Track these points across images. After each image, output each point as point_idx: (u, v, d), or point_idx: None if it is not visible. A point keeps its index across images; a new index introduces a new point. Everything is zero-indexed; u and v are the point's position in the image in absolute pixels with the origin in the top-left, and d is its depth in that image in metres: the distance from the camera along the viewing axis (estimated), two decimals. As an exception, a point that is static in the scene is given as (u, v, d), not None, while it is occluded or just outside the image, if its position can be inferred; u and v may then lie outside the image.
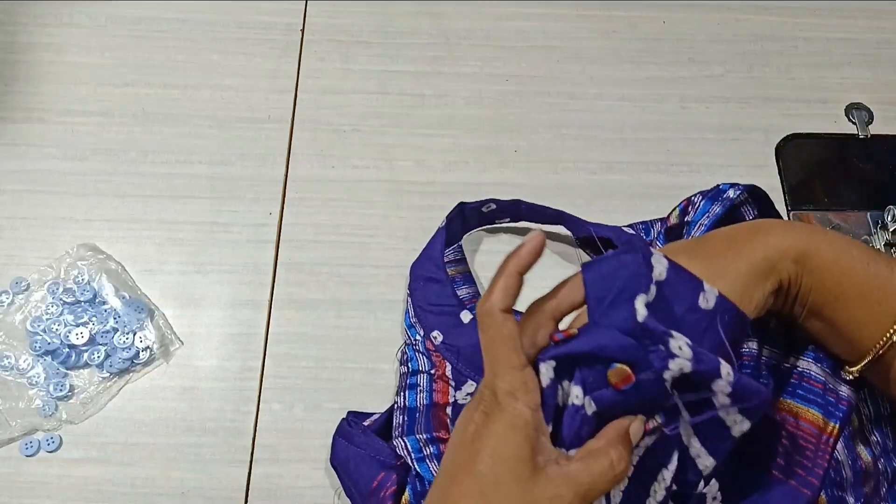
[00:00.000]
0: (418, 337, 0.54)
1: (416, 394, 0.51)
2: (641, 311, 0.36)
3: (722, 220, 0.52)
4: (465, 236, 0.59)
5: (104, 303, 0.55)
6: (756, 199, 0.54)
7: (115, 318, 0.55)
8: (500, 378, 0.36)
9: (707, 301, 0.38)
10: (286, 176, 0.61)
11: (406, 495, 0.46)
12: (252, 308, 0.57)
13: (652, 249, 0.39)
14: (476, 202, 0.57)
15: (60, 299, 0.55)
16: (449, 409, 0.51)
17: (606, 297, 0.37)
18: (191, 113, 0.63)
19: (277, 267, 0.58)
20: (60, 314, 0.55)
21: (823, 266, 0.41)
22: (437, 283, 0.55)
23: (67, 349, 0.54)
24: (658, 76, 0.67)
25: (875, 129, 0.65)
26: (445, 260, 0.56)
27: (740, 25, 0.70)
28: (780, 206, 0.60)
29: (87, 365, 0.54)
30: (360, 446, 0.49)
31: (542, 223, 0.59)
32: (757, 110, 0.66)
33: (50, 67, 0.65)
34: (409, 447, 0.48)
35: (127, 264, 0.58)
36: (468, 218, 0.58)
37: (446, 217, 0.57)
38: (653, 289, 0.37)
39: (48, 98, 0.63)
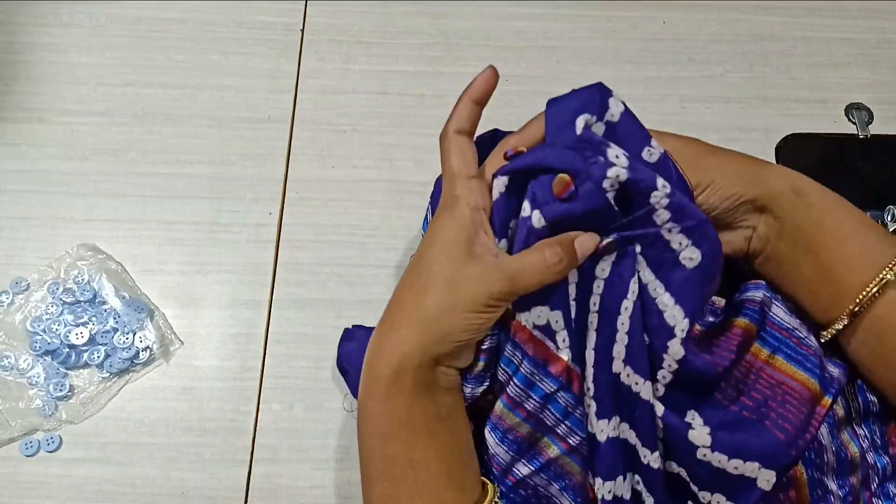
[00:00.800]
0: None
1: None
2: (580, 126, 0.39)
3: None
4: None
5: (104, 303, 0.55)
6: None
7: (115, 318, 0.55)
8: (448, 185, 0.41)
9: (651, 155, 0.41)
10: (286, 176, 0.61)
11: None
12: (252, 308, 0.57)
13: (612, 92, 0.41)
14: (511, 132, 0.56)
15: (60, 299, 0.55)
16: None
17: (559, 123, 0.40)
18: (191, 113, 0.63)
19: (277, 267, 0.58)
20: (60, 314, 0.55)
21: (823, 202, 0.42)
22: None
23: (67, 349, 0.54)
24: (658, 76, 0.67)
25: (875, 129, 0.65)
26: None
27: (740, 25, 0.69)
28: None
29: (87, 365, 0.54)
30: (363, 345, 0.49)
31: None
32: (757, 110, 0.66)
33: (50, 67, 0.65)
34: None
35: (127, 264, 0.58)
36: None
37: (477, 136, 0.53)
38: (600, 125, 0.40)
39: (48, 98, 0.63)
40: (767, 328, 0.44)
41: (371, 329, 0.52)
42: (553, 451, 0.42)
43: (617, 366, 0.41)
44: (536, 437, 0.42)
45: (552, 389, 0.40)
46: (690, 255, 0.40)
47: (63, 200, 0.60)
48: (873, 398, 0.46)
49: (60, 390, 0.52)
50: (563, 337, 0.40)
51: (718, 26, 0.69)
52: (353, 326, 0.53)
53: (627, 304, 0.40)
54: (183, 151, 0.62)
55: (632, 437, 0.42)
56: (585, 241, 0.39)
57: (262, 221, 0.60)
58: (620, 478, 0.42)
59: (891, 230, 0.58)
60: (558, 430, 0.41)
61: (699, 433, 0.40)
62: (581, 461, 0.41)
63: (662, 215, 0.39)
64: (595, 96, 0.40)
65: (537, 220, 0.39)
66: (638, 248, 0.41)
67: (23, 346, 0.54)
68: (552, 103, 0.41)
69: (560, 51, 0.68)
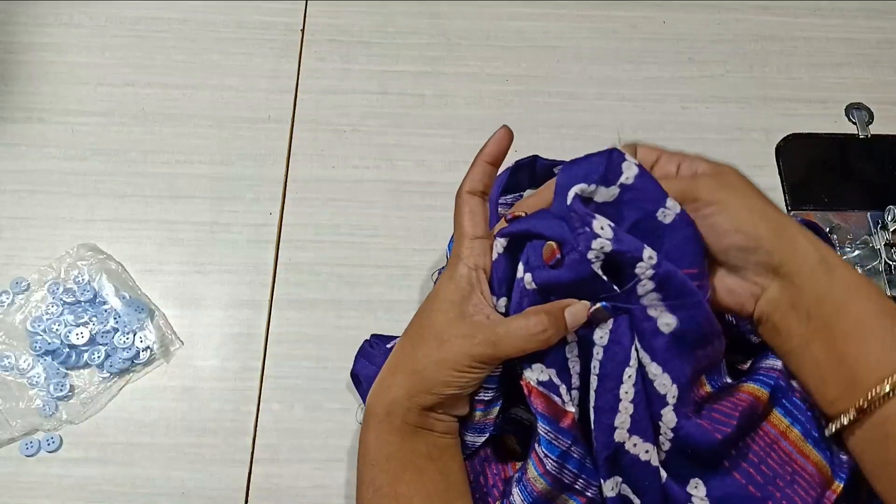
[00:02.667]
0: None
1: None
2: (570, 196, 0.40)
3: None
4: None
5: (104, 303, 0.55)
6: None
7: (115, 318, 0.55)
8: (456, 244, 0.43)
9: (665, 216, 0.40)
10: (286, 176, 0.61)
11: None
12: (252, 308, 0.57)
13: (627, 156, 0.41)
14: (550, 160, 0.55)
15: (60, 299, 0.55)
16: None
17: (566, 190, 0.41)
18: (191, 113, 0.63)
19: (277, 267, 0.58)
20: (60, 314, 0.55)
21: (850, 281, 0.39)
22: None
23: (67, 349, 0.54)
24: (658, 76, 0.67)
25: (875, 129, 0.65)
26: (501, 202, 0.55)
27: (740, 25, 0.70)
28: (781, 206, 0.60)
29: (87, 365, 0.54)
30: (379, 366, 0.50)
31: None
32: (757, 110, 0.66)
33: (50, 67, 0.65)
34: None
35: (127, 264, 0.58)
36: (537, 173, 0.56)
37: (516, 161, 0.54)
38: (612, 189, 0.41)
39: (48, 98, 0.63)
40: (792, 397, 0.42)
41: (386, 342, 0.54)
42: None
43: (620, 435, 0.40)
44: (554, 495, 0.42)
45: (566, 446, 0.41)
46: (667, 322, 0.39)
47: (63, 200, 0.60)
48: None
49: (61, 390, 0.52)
50: (565, 390, 0.41)
51: (718, 26, 0.69)
52: (372, 337, 0.55)
53: (630, 373, 0.40)
54: (183, 151, 0.62)
55: (635, 501, 0.42)
56: (577, 311, 0.40)
57: (262, 221, 0.60)
58: None
59: (891, 230, 0.58)
60: (576, 486, 0.42)
61: None
62: None
63: (647, 286, 0.39)
64: (602, 163, 0.40)
65: (528, 282, 0.41)
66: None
67: (23, 347, 0.54)
68: (564, 168, 0.42)
69: (560, 51, 0.68)
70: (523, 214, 0.43)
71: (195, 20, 0.67)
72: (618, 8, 0.70)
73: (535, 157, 0.55)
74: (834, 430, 0.39)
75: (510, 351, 0.39)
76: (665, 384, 0.40)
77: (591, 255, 0.39)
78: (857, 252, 0.59)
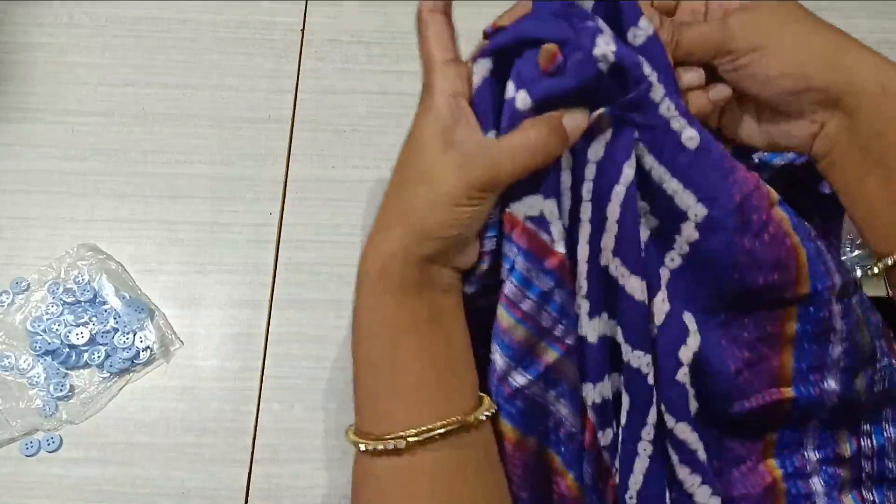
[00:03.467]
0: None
1: None
2: None
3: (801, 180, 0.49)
4: None
5: (104, 303, 0.55)
6: None
7: (115, 318, 0.55)
8: (424, 75, 0.37)
9: (636, 37, 0.37)
10: (286, 176, 0.61)
11: None
12: (252, 308, 0.57)
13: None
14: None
15: (60, 299, 0.55)
16: None
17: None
18: (191, 113, 0.63)
19: (277, 267, 0.58)
20: (60, 314, 0.55)
21: None
22: None
23: (67, 349, 0.54)
24: (658, 76, 0.67)
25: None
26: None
27: (740, 25, 0.69)
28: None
29: (87, 365, 0.54)
30: None
31: None
32: (757, 110, 0.65)
33: (50, 67, 0.65)
34: None
35: (127, 264, 0.58)
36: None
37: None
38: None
39: (47, 98, 0.63)
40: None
41: None
42: (551, 355, 0.39)
43: (605, 257, 0.39)
44: (533, 342, 0.39)
45: (549, 287, 0.38)
46: (690, 136, 0.37)
47: (63, 200, 0.60)
48: (893, 466, 0.44)
49: (61, 390, 0.52)
50: (557, 228, 0.37)
51: (718, 26, 0.69)
52: None
53: (619, 190, 0.37)
54: (183, 151, 0.62)
55: (617, 333, 0.40)
56: (576, 118, 0.36)
57: (262, 221, 0.60)
58: (606, 376, 0.41)
59: (891, 230, 0.58)
60: (555, 332, 0.39)
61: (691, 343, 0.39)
62: (578, 362, 0.40)
63: (658, 91, 0.36)
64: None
65: (522, 100, 0.35)
66: (636, 134, 0.37)
67: (23, 346, 0.54)
68: None
69: (560, 51, 0.68)
70: (505, 24, 0.37)
71: (195, 20, 0.67)
72: (618, 8, 0.70)
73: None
74: (879, 270, 0.37)
75: (512, 170, 0.35)
76: (687, 202, 0.37)
77: (597, 53, 0.34)
78: (856, 252, 0.59)
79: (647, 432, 0.40)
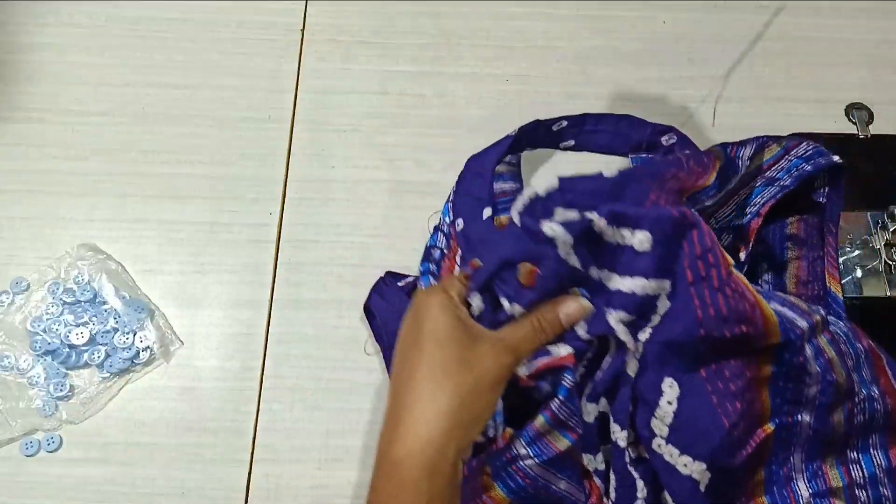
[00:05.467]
0: (447, 219, 0.57)
1: (429, 264, 0.55)
2: (515, 217, 0.42)
3: (790, 193, 0.52)
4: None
5: (104, 303, 0.55)
6: (831, 177, 0.54)
7: (115, 318, 0.55)
8: (420, 294, 0.42)
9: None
10: (286, 176, 0.61)
11: None
12: (252, 308, 0.57)
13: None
14: (550, 119, 0.60)
15: (60, 299, 0.55)
16: None
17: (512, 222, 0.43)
18: (191, 113, 0.63)
19: (277, 267, 0.58)
20: (60, 314, 0.55)
21: None
22: (481, 178, 0.57)
23: (67, 349, 0.54)
24: (658, 76, 0.67)
25: (875, 129, 0.65)
26: (507, 161, 0.59)
27: (740, 25, 0.69)
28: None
29: (87, 365, 0.54)
30: (392, 304, 0.53)
31: (599, 150, 0.63)
32: (757, 110, 0.66)
33: (50, 67, 0.65)
34: None
35: (127, 264, 0.58)
36: (537, 135, 0.60)
37: (519, 128, 0.58)
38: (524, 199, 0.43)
39: (48, 98, 0.63)
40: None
41: (398, 280, 0.55)
42: (563, 444, 0.44)
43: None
44: (548, 430, 0.44)
45: (571, 383, 0.42)
46: (641, 239, 0.41)
47: (63, 200, 0.60)
48: (888, 493, 0.45)
49: (61, 390, 0.52)
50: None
51: (718, 26, 0.69)
52: (386, 275, 0.56)
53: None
54: (183, 151, 0.62)
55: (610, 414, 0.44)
56: (571, 312, 0.42)
57: (262, 221, 0.60)
58: (602, 447, 0.45)
59: (891, 230, 0.58)
60: (570, 423, 0.43)
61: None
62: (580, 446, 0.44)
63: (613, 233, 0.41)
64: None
65: (519, 312, 0.42)
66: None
67: (23, 346, 0.54)
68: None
69: (560, 51, 0.68)
70: (479, 263, 0.44)
71: (195, 20, 0.67)
72: (618, 8, 0.70)
73: (538, 120, 0.58)
74: None
75: (528, 352, 0.41)
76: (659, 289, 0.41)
77: (561, 253, 0.41)
78: (856, 252, 0.59)
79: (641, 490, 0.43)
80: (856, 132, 0.65)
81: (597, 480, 0.45)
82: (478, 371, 0.38)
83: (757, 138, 0.57)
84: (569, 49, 0.68)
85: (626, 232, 0.40)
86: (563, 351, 0.43)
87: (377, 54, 0.67)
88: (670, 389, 0.41)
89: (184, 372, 0.55)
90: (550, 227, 0.40)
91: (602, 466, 0.45)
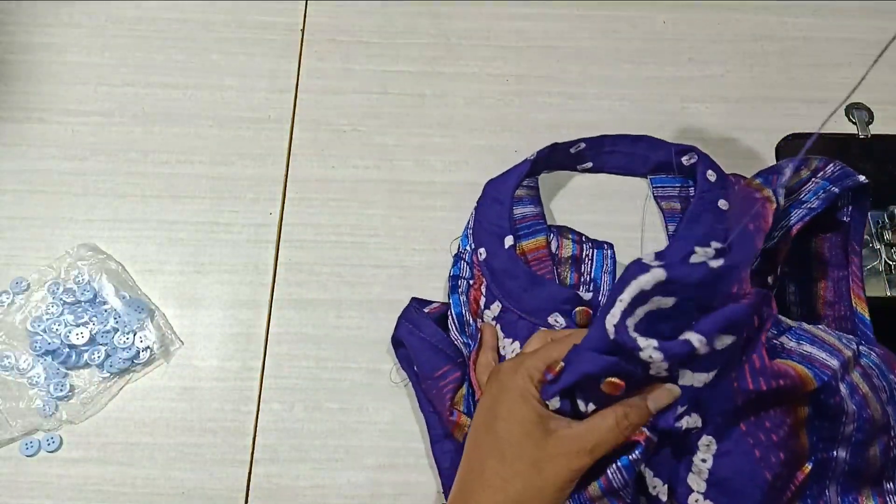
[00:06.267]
0: (469, 248, 0.56)
1: (459, 296, 0.55)
2: (610, 329, 0.38)
3: (818, 215, 0.51)
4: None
5: (104, 303, 0.55)
6: (855, 196, 0.53)
7: (115, 318, 0.55)
8: (504, 371, 0.41)
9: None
10: (286, 176, 0.61)
11: (462, 390, 0.50)
12: (252, 308, 0.57)
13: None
14: (567, 142, 0.59)
15: (60, 299, 0.55)
16: (478, 321, 0.54)
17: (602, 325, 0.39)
18: (191, 113, 0.63)
19: (277, 267, 0.58)
20: (60, 314, 0.55)
21: None
22: (500, 204, 0.56)
23: (67, 349, 0.54)
24: (658, 76, 0.67)
25: (875, 129, 0.65)
26: (525, 184, 0.59)
27: (740, 25, 0.69)
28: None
29: (87, 365, 0.54)
30: (424, 333, 0.52)
31: (617, 171, 0.62)
32: (757, 110, 0.66)
33: (50, 67, 0.65)
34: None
35: (127, 264, 0.58)
36: (555, 158, 0.60)
37: (537, 152, 0.58)
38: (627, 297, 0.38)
39: (48, 98, 0.63)
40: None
41: (423, 306, 0.55)
42: None
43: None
44: (598, 497, 0.42)
45: (636, 456, 0.41)
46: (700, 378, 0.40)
47: (63, 200, 0.60)
48: None
49: (61, 390, 0.52)
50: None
51: (718, 26, 0.69)
52: (414, 302, 0.55)
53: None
54: (183, 151, 0.62)
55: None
56: (660, 397, 0.40)
57: (262, 221, 0.60)
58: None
59: (891, 230, 0.58)
60: (622, 493, 0.42)
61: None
62: None
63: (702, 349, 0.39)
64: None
65: (593, 409, 0.40)
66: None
67: (23, 346, 0.54)
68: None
69: (560, 51, 0.68)
70: (562, 366, 0.40)
71: (195, 20, 0.67)
72: (618, 8, 0.70)
73: (555, 144, 0.58)
74: None
75: (606, 450, 0.39)
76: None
77: (652, 371, 0.39)
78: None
79: None
80: (856, 132, 0.65)
81: None
82: (547, 474, 0.38)
83: (790, 162, 0.53)
84: (569, 49, 0.68)
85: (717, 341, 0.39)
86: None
87: (377, 54, 0.67)
88: (707, 448, 0.41)
89: (184, 372, 0.55)
90: (648, 354, 0.38)
91: None
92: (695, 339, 0.37)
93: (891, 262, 0.58)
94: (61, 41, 0.66)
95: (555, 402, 0.40)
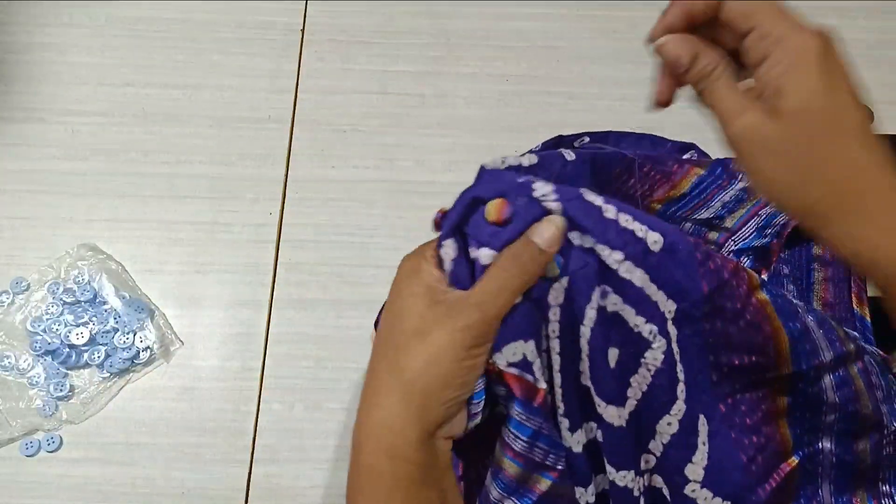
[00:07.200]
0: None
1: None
2: (497, 163, 0.38)
3: None
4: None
5: (104, 303, 0.55)
6: None
7: (115, 318, 0.55)
8: (402, 261, 0.38)
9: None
10: (286, 176, 0.61)
11: None
12: (252, 308, 0.57)
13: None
14: (572, 135, 0.57)
15: (61, 299, 0.55)
16: None
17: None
18: (191, 113, 0.63)
19: (277, 267, 0.58)
20: (60, 314, 0.55)
21: None
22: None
23: (68, 349, 0.54)
24: (658, 76, 0.67)
25: (875, 129, 0.65)
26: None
27: (740, 25, 0.69)
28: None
29: (87, 365, 0.54)
30: None
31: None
32: (757, 110, 0.65)
33: (50, 67, 0.65)
34: None
35: (127, 264, 0.58)
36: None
37: (542, 144, 0.56)
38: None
39: (48, 98, 0.63)
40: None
41: None
42: (544, 484, 0.40)
43: (585, 380, 0.40)
44: (526, 476, 0.40)
45: (538, 425, 0.38)
46: (654, 239, 0.38)
47: (63, 200, 0.60)
48: None
49: (61, 390, 0.52)
50: (538, 365, 0.38)
51: (718, 26, 0.69)
52: None
53: (584, 331, 0.39)
54: (183, 151, 0.62)
55: (598, 435, 0.41)
56: (546, 235, 0.35)
57: (262, 221, 0.60)
58: (594, 477, 0.42)
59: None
60: (547, 462, 0.40)
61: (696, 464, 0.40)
62: (570, 480, 0.41)
63: (611, 210, 0.38)
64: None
65: (487, 255, 0.37)
66: (595, 267, 0.38)
67: (23, 346, 0.54)
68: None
69: (560, 51, 0.68)
70: (446, 209, 0.39)
71: (195, 20, 0.67)
72: (618, 8, 0.70)
73: (560, 136, 0.56)
74: None
75: (499, 304, 0.35)
76: (660, 300, 0.38)
77: (536, 194, 0.37)
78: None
79: None
80: (856, 132, 0.65)
81: None
82: (434, 340, 0.33)
83: None
84: (569, 49, 0.68)
85: (643, 227, 0.37)
86: (540, 385, 0.39)
87: (377, 54, 0.67)
88: (703, 428, 0.40)
89: (184, 372, 0.55)
90: (541, 192, 0.36)
91: (592, 499, 0.41)
92: (590, 195, 0.37)
93: (891, 262, 0.58)
94: (61, 41, 0.66)
95: (448, 252, 0.37)
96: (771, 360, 0.40)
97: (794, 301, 0.42)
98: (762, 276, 0.49)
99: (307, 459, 0.52)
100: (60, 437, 0.52)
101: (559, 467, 0.40)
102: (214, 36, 0.67)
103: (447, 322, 0.34)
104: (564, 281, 0.38)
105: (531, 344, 0.38)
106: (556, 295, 0.38)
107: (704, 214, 0.53)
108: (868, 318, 0.51)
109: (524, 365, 0.38)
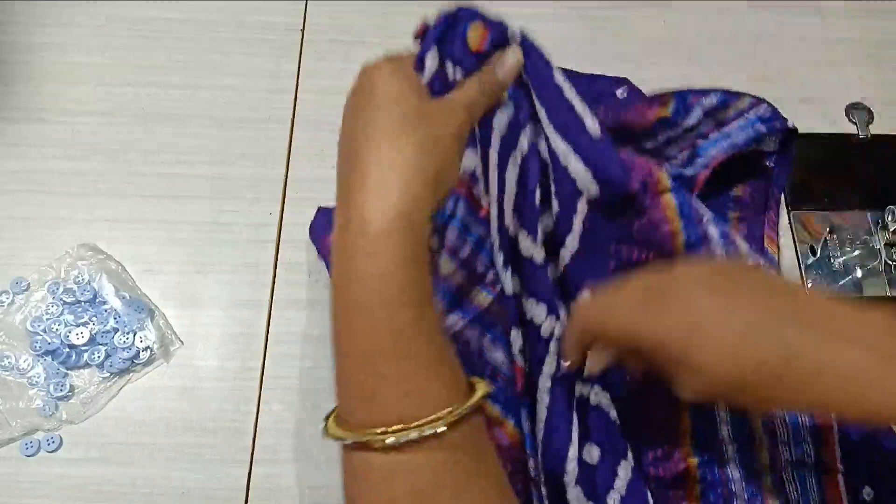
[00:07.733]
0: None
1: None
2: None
3: (739, 154, 0.53)
4: None
5: (104, 303, 0.55)
6: (783, 144, 0.56)
7: (115, 318, 0.55)
8: (367, 67, 0.40)
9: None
10: (286, 176, 0.61)
11: None
12: (252, 308, 0.57)
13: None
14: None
15: (60, 299, 0.55)
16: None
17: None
18: (191, 113, 0.63)
19: (277, 267, 0.58)
20: (60, 314, 0.55)
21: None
22: None
23: (67, 349, 0.54)
24: (658, 76, 0.67)
25: (875, 129, 0.65)
26: None
27: (740, 25, 0.69)
28: (781, 206, 0.60)
29: (87, 365, 0.54)
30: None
31: None
32: (757, 110, 0.65)
33: (50, 67, 0.65)
34: None
35: (127, 264, 0.58)
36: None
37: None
38: None
39: (48, 98, 0.63)
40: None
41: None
42: (485, 299, 0.43)
43: (507, 218, 0.42)
44: (468, 288, 0.43)
45: (482, 234, 0.42)
46: (591, 126, 0.40)
47: (63, 200, 0.60)
48: (810, 450, 0.47)
49: (61, 390, 0.52)
50: (481, 186, 0.42)
51: (718, 26, 0.69)
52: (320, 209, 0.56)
53: (515, 156, 0.41)
54: (183, 151, 0.62)
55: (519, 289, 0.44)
56: (507, 65, 0.40)
57: (262, 221, 0.59)
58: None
59: (891, 230, 0.58)
60: (487, 278, 0.43)
61: None
62: (507, 307, 0.44)
63: (560, 78, 0.42)
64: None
65: (460, 71, 0.40)
66: (544, 114, 0.41)
67: (23, 346, 0.54)
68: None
69: (560, 51, 0.67)
70: (427, 25, 0.42)
71: (195, 20, 0.67)
72: (618, 8, 0.70)
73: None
74: None
75: (479, 109, 0.39)
76: (585, 179, 0.40)
77: (509, 34, 0.41)
78: (857, 252, 0.59)
79: (544, 381, 0.43)
80: (856, 132, 0.65)
81: (518, 360, 0.44)
82: (438, 122, 0.36)
83: (723, 92, 0.55)
84: (569, 49, 0.68)
85: (584, 105, 0.41)
86: (483, 203, 0.42)
87: (377, 54, 0.66)
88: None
89: (184, 372, 0.55)
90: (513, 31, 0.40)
91: (520, 341, 0.43)
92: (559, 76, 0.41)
93: (891, 262, 0.59)
94: (61, 41, 0.66)
95: (430, 64, 0.40)
96: (669, 259, 0.43)
97: (702, 209, 0.43)
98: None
99: (307, 459, 0.52)
100: (60, 437, 0.52)
101: (498, 287, 0.43)
102: (214, 36, 0.67)
103: (449, 113, 0.37)
104: (511, 107, 0.41)
105: (478, 159, 0.42)
106: (500, 120, 0.41)
107: (649, 145, 0.55)
108: (777, 257, 0.55)
109: (473, 177, 0.42)
